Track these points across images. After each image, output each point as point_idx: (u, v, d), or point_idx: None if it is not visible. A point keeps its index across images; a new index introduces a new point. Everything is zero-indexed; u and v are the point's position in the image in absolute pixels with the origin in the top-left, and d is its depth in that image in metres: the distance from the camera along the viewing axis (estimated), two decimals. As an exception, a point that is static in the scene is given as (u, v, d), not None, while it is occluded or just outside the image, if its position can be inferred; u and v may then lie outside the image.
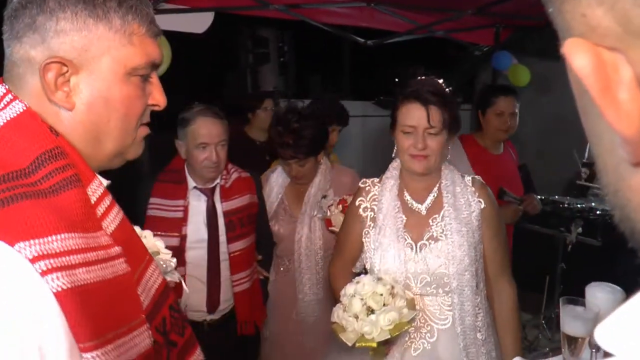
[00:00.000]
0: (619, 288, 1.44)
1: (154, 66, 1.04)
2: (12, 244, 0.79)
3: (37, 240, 0.80)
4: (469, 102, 7.27)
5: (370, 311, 1.83)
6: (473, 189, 2.05)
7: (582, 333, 1.35)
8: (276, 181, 2.99)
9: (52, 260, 0.80)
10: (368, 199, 2.15)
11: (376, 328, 1.79)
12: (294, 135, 2.66)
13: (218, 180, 2.58)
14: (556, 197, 4.45)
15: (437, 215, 2.03)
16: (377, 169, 3.61)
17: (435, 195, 2.06)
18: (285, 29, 5.57)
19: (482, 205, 2.03)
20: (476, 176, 2.13)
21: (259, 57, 5.65)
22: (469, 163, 3.01)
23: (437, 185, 2.07)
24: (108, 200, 0.99)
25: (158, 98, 1.07)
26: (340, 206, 2.54)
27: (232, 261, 2.58)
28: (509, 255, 2.17)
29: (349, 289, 1.91)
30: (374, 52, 5.13)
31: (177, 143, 2.53)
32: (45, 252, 0.80)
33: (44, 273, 0.79)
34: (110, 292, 0.90)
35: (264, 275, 2.84)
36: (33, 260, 0.79)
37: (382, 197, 2.10)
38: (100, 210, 0.95)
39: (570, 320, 1.35)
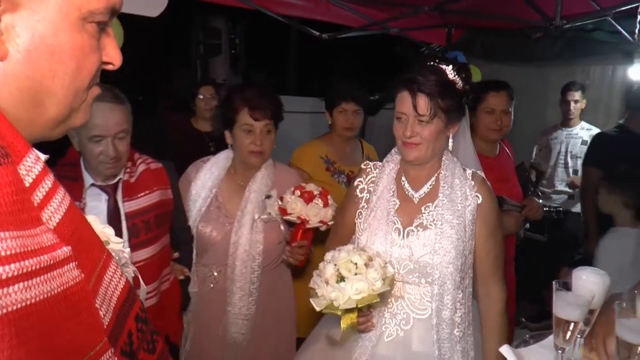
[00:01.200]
0: (604, 272, 1.44)
1: (114, 13, 0.83)
2: None
3: None
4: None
5: (341, 278, 1.82)
6: (472, 182, 2.01)
7: (577, 317, 1.36)
8: (209, 173, 2.55)
9: None
10: (366, 181, 2.14)
11: (343, 295, 1.78)
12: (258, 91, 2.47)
13: (121, 175, 2.15)
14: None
15: (430, 204, 2.00)
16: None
17: (432, 184, 2.04)
18: (237, 20, 5.48)
19: (479, 201, 1.99)
20: (478, 171, 2.08)
21: (210, 48, 5.53)
22: (476, 157, 2.60)
23: (436, 174, 2.05)
24: (49, 181, 0.75)
25: (113, 55, 0.85)
26: (298, 192, 2.42)
27: None
28: (504, 258, 2.10)
29: (328, 255, 1.90)
30: (325, 48, 5.12)
31: (69, 132, 2.16)
32: None
33: None
34: (59, 313, 0.68)
35: (185, 274, 2.42)
36: None
37: (379, 180, 2.10)
38: (38, 196, 0.73)
39: (564, 305, 1.35)
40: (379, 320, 2.02)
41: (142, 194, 2.16)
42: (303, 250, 2.43)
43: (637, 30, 4.07)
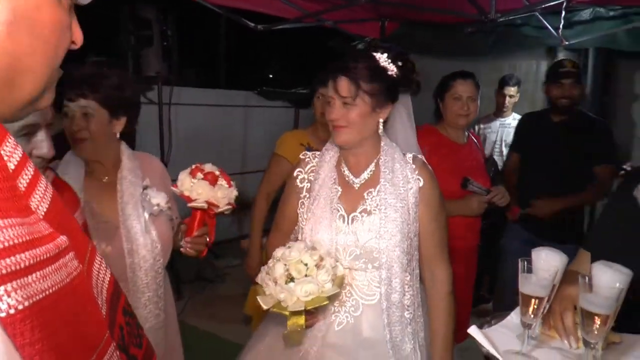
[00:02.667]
0: (559, 250, 1.51)
1: None
2: None
3: None
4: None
5: (291, 279, 1.80)
6: (413, 166, 2.03)
7: (543, 294, 1.41)
8: (65, 174, 2.04)
9: None
10: (306, 170, 2.15)
11: (292, 297, 1.77)
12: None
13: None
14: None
15: (372, 190, 2.01)
16: (263, 160, 3.53)
17: (373, 170, 2.05)
18: (169, 11, 5.32)
19: (421, 183, 2.01)
20: (419, 155, 2.11)
21: (141, 40, 5.35)
22: (417, 142, 2.54)
23: (376, 160, 2.06)
24: (31, 168, 0.71)
25: (77, 34, 0.81)
26: (200, 174, 2.11)
27: None
28: (447, 239, 2.14)
29: (278, 252, 1.88)
30: (260, 40, 5.07)
31: None
32: None
33: None
34: (71, 306, 0.64)
35: None
36: None
37: (320, 168, 2.10)
38: (22, 182, 0.68)
39: (530, 282, 1.40)
40: (327, 310, 2.01)
41: None
42: (204, 238, 2.21)
43: (561, 26, 4.23)
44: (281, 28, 4.61)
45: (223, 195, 2.11)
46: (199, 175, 2.10)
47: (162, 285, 2.17)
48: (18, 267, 0.56)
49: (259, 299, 1.84)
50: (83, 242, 0.78)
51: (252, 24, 4.50)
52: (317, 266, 1.82)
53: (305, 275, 1.79)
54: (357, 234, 1.99)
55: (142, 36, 5.29)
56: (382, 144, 2.07)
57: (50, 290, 0.60)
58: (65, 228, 0.70)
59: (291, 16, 4.44)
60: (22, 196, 0.65)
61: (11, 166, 0.66)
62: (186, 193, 2.08)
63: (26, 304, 0.56)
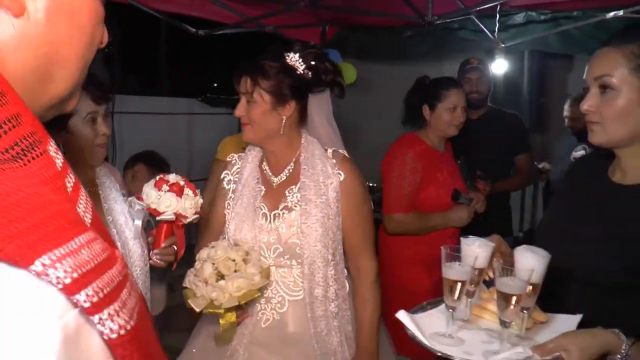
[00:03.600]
0: (486, 240, 1.56)
1: None
2: (26, 263, 0.46)
3: (61, 250, 0.48)
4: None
5: (221, 277, 1.81)
6: (334, 161, 2.07)
7: (466, 278, 1.48)
8: None
9: (95, 285, 0.49)
10: (232, 172, 2.18)
11: (224, 294, 1.77)
12: None
13: None
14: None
15: (293, 187, 2.05)
16: (208, 168, 3.51)
17: (292, 168, 2.08)
18: (109, 17, 5.22)
19: (342, 177, 2.04)
20: (340, 150, 2.14)
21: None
22: (338, 137, 2.47)
23: (295, 157, 2.09)
24: (72, 174, 0.64)
25: (105, 33, 0.76)
26: (166, 186, 2.06)
27: None
28: (372, 231, 2.18)
29: (203, 253, 1.89)
30: (204, 47, 5.04)
31: None
32: (80, 270, 0.48)
33: (92, 310, 0.49)
34: (146, 326, 0.60)
35: None
36: (71, 289, 0.47)
37: (243, 169, 2.14)
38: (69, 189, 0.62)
39: (454, 269, 1.47)
40: (254, 307, 2.04)
41: None
42: (172, 249, 2.19)
43: (496, 29, 4.36)
44: (223, 33, 4.59)
45: (190, 205, 2.09)
46: (165, 187, 2.07)
47: (149, 290, 2.19)
48: (113, 285, 0.51)
49: (190, 302, 1.83)
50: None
51: (193, 30, 4.47)
52: (244, 261, 1.84)
53: (235, 271, 1.81)
54: (279, 231, 2.02)
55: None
56: (302, 141, 2.11)
57: (137, 309, 0.56)
58: (105, 238, 0.61)
59: (231, 21, 4.43)
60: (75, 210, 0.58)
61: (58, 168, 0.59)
62: (153, 206, 2.05)
63: (132, 323, 0.53)
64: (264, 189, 2.11)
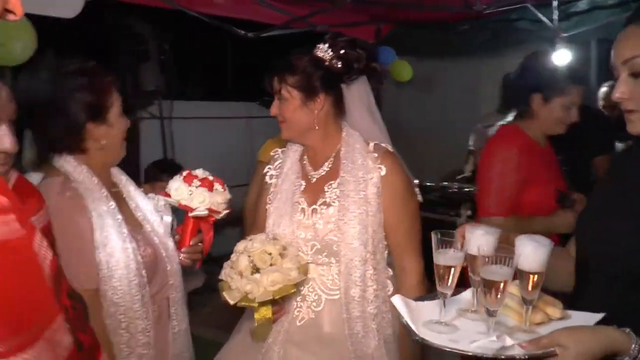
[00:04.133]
0: (492, 228, 1.48)
1: None
2: None
3: None
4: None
5: (256, 270, 1.78)
6: (375, 155, 1.99)
7: (452, 263, 1.43)
8: (83, 188, 1.88)
9: None
10: (274, 167, 2.16)
11: (259, 288, 1.75)
12: None
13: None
14: (445, 183, 4.57)
15: (333, 182, 2.00)
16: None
17: (332, 162, 2.04)
18: (164, 25, 5.36)
19: (383, 172, 1.96)
20: (383, 143, 2.06)
21: (138, 56, 5.39)
22: (382, 129, 2.32)
23: (335, 152, 2.04)
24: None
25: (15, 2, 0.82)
26: (197, 181, 2.03)
27: None
28: (418, 229, 2.05)
29: (240, 245, 1.88)
30: (259, 49, 5.06)
31: None
32: None
33: None
34: (11, 266, 0.66)
35: None
36: None
37: (284, 163, 2.12)
38: None
39: (446, 255, 1.43)
40: (290, 304, 2.00)
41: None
42: (200, 247, 2.14)
43: (554, 17, 4.14)
44: (273, 35, 4.58)
45: (222, 200, 2.07)
46: (195, 182, 2.04)
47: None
48: None
49: (224, 294, 1.81)
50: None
51: (243, 32, 4.48)
52: (281, 255, 1.81)
53: (271, 265, 1.78)
54: (317, 227, 1.97)
55: (139, 52, 5.34)
56: (342, 134, 2.05)
57: None
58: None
59: (280, 22, 4.41)
60: None
61: None
62: (184, 202, 2.02)
63: None
64: (304, 184, 2.07)
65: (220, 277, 1.90)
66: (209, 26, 4.39)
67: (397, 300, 1.42)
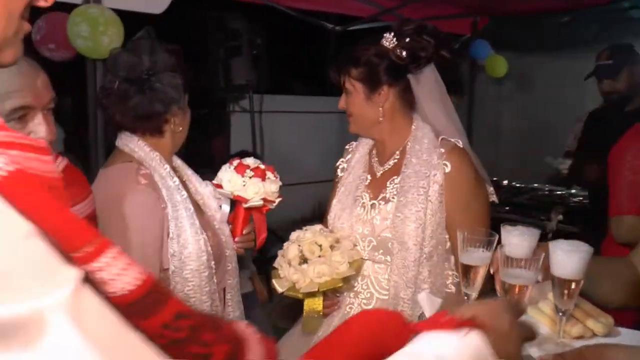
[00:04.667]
0: (530, 229, 1.38)
1: None
2: None
3: None
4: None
5: (304, 260, 1.77)
6: (441, 150, 1.88)
7: (476, 263, 1.37)
8: (161, 170, 1.87)
9: None
10: (347, 159, 2.13)
11: (305, 278, 1.73)
12: None
13: None
14: (535, 185, 4.30)
15: (395, 177, 1.93)
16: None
17: (398, 157, 1.97)
18: (256, 20, 5.38)
19: (447, 169, 1.85)
20: (452, 139, 1.94)
21: (230, 50, 5.45)
22: (456, 123, 2.17)
23: (403, 146, 1.97)
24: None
25: None
26: (249, 171, 1.98)
27: None
28: (487, 227, 1.87)
29: (294, 234, 1.87)
30: (353, 43, 4.99)
31: None
32: None
33: None
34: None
35: None
36: None
37: (353, 157, 2.09)
38: None
39: (469, 252, 1.38)
40: (343, 300, 1.96)
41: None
42: (252, 235, 2.08)
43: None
44: (361, 28, 4.47)
45: (275, 188, 2.01)
46: (248, 172, 1.98)
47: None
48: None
49: (274, 282, 1.82)
50: None
51: (330, 26, 4.41)
52: (332, 248, 1.77)
53: (319, 257, 1.75)
54: (374, 222, 1.91)
55: (231, 46, 5.39)
56: (412, 128, 1.97)
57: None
58: None
59: (367, 14, 4.29)
60: None
61: None
62: (238, 193, 1.97)
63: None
64: (369, 178, 2.01)
65: (274, 265, 1.90)
66: (300, 20, 4.36)
67: (423, 298, 1.33)
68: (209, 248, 1.85)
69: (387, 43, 1.89)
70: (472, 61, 5.15)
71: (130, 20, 3.27)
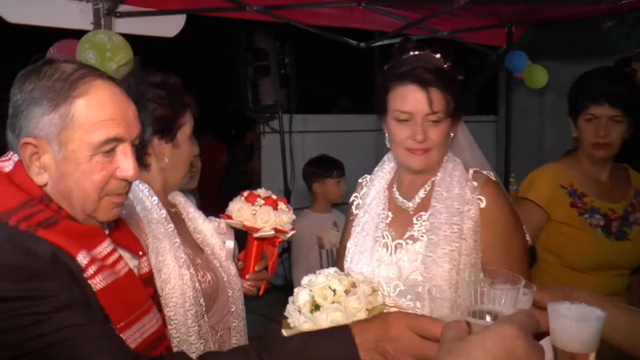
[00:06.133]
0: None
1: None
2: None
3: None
4: (492, 112, 6.81)
5: (316, 307, 1.57)
6: (475, 183, 1.72)
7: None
8: (143, 210, 1.78)
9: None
10: (361, 195, 1.95)
11: (316, 326, 1.53)
12: None
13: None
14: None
15: (424, 213, 1.75)
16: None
17: (427, 191, 1.78)
18: (285, 40, 5.31)
19: (483, 204, 1.69)
20: (485, 171, 1.79)
21: (259, 70, 5.37)
22: (480, 153, 2.10)
23: (432, 179, 1.78)
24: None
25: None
26: (260, 200, 1.93)
27: None
28: (525, 272, 1.73)
29: (305, 278, 1.67)
30: (379, 59, 4.82)
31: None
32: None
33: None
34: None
35: None
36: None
37: (368, 192, 1.91)
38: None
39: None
40: None
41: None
42: (265, 273, 2.01)
43: None
44: (388, 44, 4.29)
45: (288, 219, 1.94)
46: (259, 200, 1.92)
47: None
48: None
49: (283, 332, 1.63)
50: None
51: (355, 42, 4.24)
52: (347, 292, 1.57)
53: (333, 302, 1.56)
54: (400, 264, 1.71)
55: (259, 66, 5.31)
56: (443, 159, 1.78)
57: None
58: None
59: (393, 28, 4.11)
60: None
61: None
62: (248, 223, 1.90)
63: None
64: (391, 216, 1.81)
65: (285, 313, 1.70)
66: (326, 38, 4.22)
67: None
68: (197, 284, 1.74)
69: (446, 66, 1.73)
70: (509, 74, 4.88)
71: (149, 43, 3.22)
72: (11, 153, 1.27)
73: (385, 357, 1.07)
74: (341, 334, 1.12)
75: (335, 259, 2.28)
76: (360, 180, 1.99)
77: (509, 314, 0.93)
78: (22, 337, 1.03)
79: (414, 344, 1.06)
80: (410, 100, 1.67)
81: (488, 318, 0.96)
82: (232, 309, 1.89)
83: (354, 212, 1.94)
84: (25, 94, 1.18)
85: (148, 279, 1.45)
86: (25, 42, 3.22)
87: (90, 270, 1.15)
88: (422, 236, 1.71)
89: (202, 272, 1.79)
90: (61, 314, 1.05)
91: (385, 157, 1.94)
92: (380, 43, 4.31)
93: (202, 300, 1.74)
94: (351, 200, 1.98)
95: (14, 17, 2.99)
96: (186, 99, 1.85)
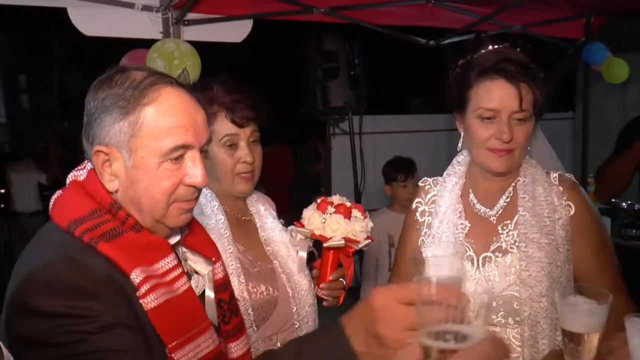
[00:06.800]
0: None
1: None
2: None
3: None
4: (570, 108, 6.54)
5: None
6: (560, 188, 1.64)
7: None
8: (209, 216, 1.80)
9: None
10: (427, 201, 1.83)
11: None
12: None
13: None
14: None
15: (509, 222, 1.65)
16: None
17: (509, 197, 1.68)
18: (354, 41, 5.29)
19: (572, 211, 1.61)
20: (567, 173, 1.70)
21: (328, 72, 5.37)
22: (555, 155, 2.16)
23: (513, 184, 1.68)
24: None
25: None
26: (331, 207, 1.85)
27: None
28: (620, 273, 1.65)
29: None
30: (450, 57, 4.72)
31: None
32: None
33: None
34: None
35: None
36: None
37: (440, 199, 1.77)
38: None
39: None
40: None
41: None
42: (341, 283, 1.92)
43: None
44: (458, 41, 4.20)
45: (361, 228, 1.84)
46: (330, 209, 1.84)
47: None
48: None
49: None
50: None
51: (424, 41, 4.18)
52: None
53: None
54: (492, 280, 1.61)
55: (328, 68, 5.31)
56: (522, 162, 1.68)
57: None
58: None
59: (461, 25, 4.01)
60: None
61: None
62: (317, 232, 1.84)
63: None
64: (469, 225, 1.70)
65: None
66: (395, 38, 4.18)
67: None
68: (245, 294, 1.72)
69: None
70: (587, 67, 4.67)
71: (218, 50, 3.29)
72: (86, 162, 1.30)
73: (381, 339, 0.97)
74: (332, 330, 1.06)
75: None
76: (421, 184, 1.88)
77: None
78: (66, 353, 1.06)
79: (404, 315, 0.95)
80: (498, 96, 1.57)
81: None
82: (297, 325, 1.83)
83: (419, 219, 1.82)
84: (98, 103, 1.20)
85: (222, 285, 1.43)
86: (99, 53, 3.36)
87: (143, 289, 1.15)
88: (511, 248, 1.61)
89: (254, 282, 1.77)
90: (101, 335, 1.07)
91: (455, 161, 1.83)
92: (450, 40, 4.22)
93: (250, 309, 1.71)
94: (414, 206, 1.85)
95: (89, 30, 3.13)
96: (213, 108, 1.76)
